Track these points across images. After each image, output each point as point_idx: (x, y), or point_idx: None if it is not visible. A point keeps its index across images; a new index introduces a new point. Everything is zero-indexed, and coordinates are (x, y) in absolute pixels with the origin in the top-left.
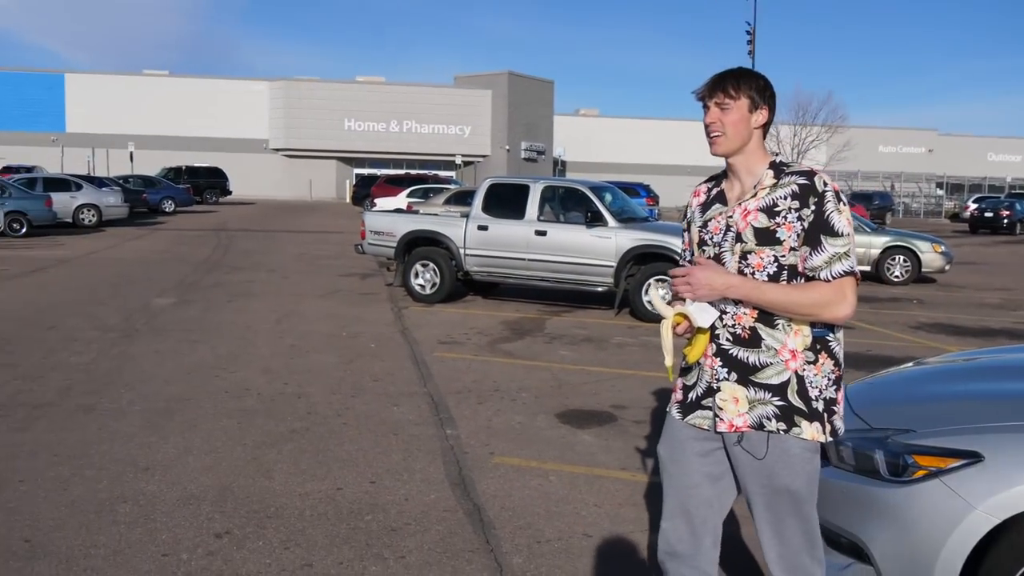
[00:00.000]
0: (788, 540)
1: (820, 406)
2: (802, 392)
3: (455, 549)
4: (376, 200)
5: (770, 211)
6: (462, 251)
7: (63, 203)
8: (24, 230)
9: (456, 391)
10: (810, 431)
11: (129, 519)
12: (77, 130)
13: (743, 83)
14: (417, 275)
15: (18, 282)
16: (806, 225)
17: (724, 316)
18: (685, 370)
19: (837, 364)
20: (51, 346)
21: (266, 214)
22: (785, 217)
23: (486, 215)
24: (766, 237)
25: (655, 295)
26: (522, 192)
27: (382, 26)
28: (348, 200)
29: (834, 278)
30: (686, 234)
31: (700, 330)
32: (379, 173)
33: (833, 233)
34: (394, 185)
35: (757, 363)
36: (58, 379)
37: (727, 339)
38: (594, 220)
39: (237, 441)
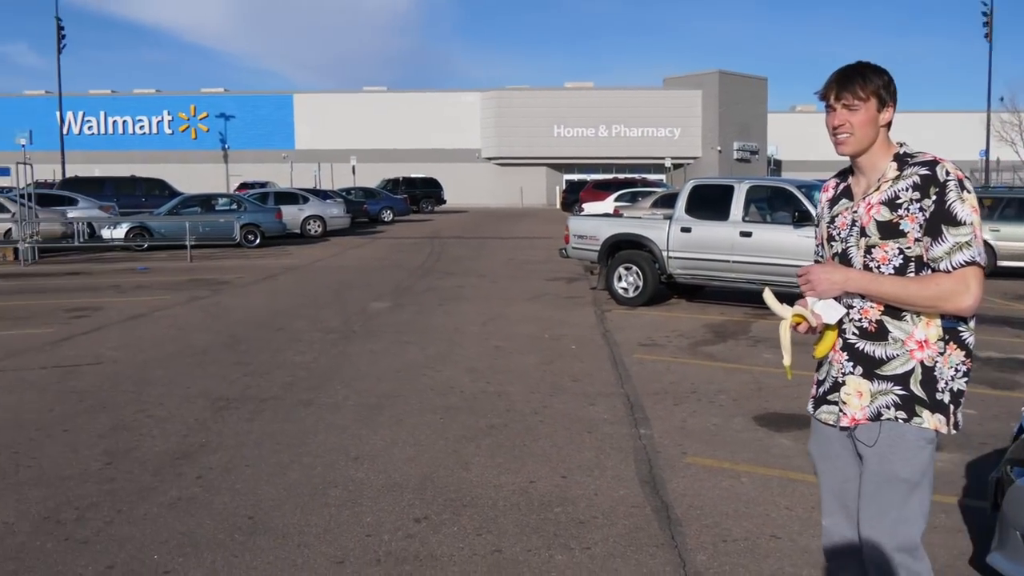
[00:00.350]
0: (889, 530)
1: (946, 397)
2: (927, 382)
3: (640, 543)
4: (584, 205)
5: (892, 204)
6: (665, 254)
7: (292, 215)
8: (258, 241)
9: (653, 392)
10: (932, 421)
11: (339, 502)
12: (305, 147)
13: (870, 82)
14: (620, 278)
15: (252, 288)
16: (927, 215)
17: (851, 311)
18: (819, 366)
19: (968, 355)
20: (278, 346)
21: (478, 222)
22: (907, 209)
23: (689, 217)
24: (889, 230)
25: (768, 296)
26: (726, 193)
27: (590, 32)
28: (558, 206)
29: (955, 268)
30: (817, 230)
31: (828, 326)
32: (588, 179)
33: (955, 222)
34: (602, 190)
35: (884, 356)
36: (283, 376)
37: (854, 333)
38: (802, 219)
39: (440, 435)
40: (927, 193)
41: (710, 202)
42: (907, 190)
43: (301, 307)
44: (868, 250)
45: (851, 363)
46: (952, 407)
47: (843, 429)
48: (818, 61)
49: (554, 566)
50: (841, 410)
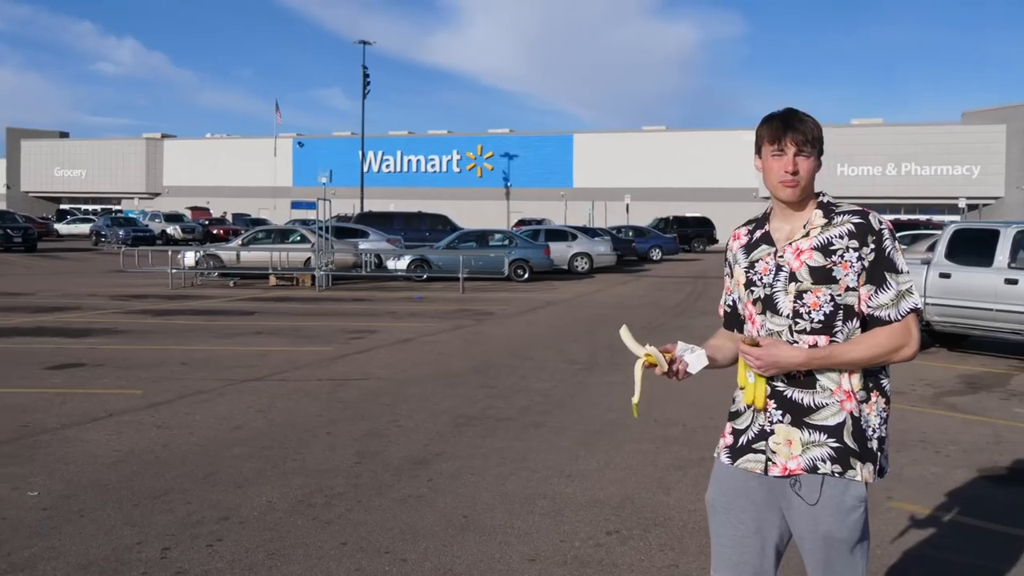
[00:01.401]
0: None
1: (874, 445)
2: (857, 433)
3: None
4: None
5: (825, 250)
6: (922, 300)
7: (560, 252)
8: (526, 275)
9: None
10: (863, 473)
11: (543, 511)
12: (581, 185)
13: (816, 130)
14: None
15: (512, 320)
16: (866, 264)
17: None
18: (735, 414)
19: (888, 401)
20: (523, 373)
21: None
22: (842, 256)
23: (949, 262)
24: (822, 275)
25: (624, 333)
26: (991, 238)
27: (880, 64)
28: None
29: (903, 316)
30: (728, 279)
31: (757, 376)
32: None
33: (896, 270)
34: None
35: (812, 404)
36: (521, 400)
37: (782, 380)
38: None
39: (650, 462)
40: (864, 242)
41: (973, 247)
42: (841, 237)
43: (553, 339)
44: (799, 295)
45: (779, 411)
46: (879, 455)
47: (778, 478)
48: None
49: None
50: (770, 459)
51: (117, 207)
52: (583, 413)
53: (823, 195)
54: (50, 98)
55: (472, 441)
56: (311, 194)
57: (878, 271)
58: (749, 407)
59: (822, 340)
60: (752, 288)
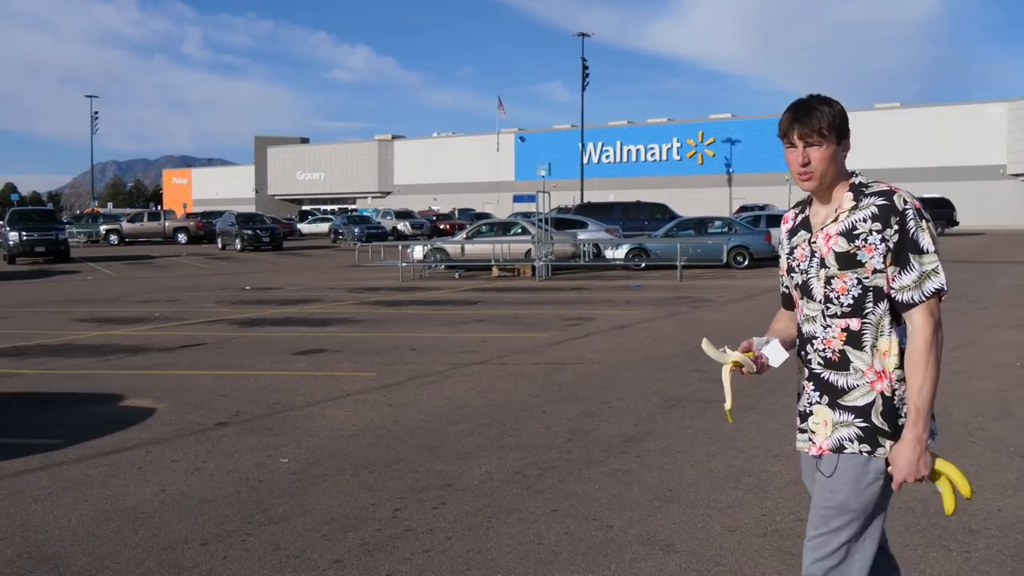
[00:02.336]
0: (825, 548)
1: (900, 421)
2: (888, 412)
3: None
4: None
5: (849, 234)
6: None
7: None
8: (746, 262)
9: None
10: (888, 448)
11: (747, 487)
12: None
13: (828, 117)
14: None
15: (728, 306)
16: (891, 245)
17: (815, 341)
18: (797, 396)
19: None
20: None
21: (992, 245)
22: (865, 239)
23: None
24: (847, 261)
25: (706, 345)
26: None
27: None
28: None
29: (927, 297)
30: (783, 261)
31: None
32: None
33: (920, 251)
34: None
35: (846, 386)
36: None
37: (819, 363)
38: None
39: None
40: (888, 223)
41: None
42: (865, 220)
43: (766, 324)
44: (828, 281)
45: (817, 393)
46: (896, 429)
47: (815, 458)
48: None
49: (926, 562)
50: (811, 439)
51: (352, 206)
52: (795, 397)
53: (856, 176)
54: (291, 106)
55: (681, 421)
56: (532, 187)
57: (903, 252)
58: (803, 390)
59: (854, 323)
60: (792, 274)
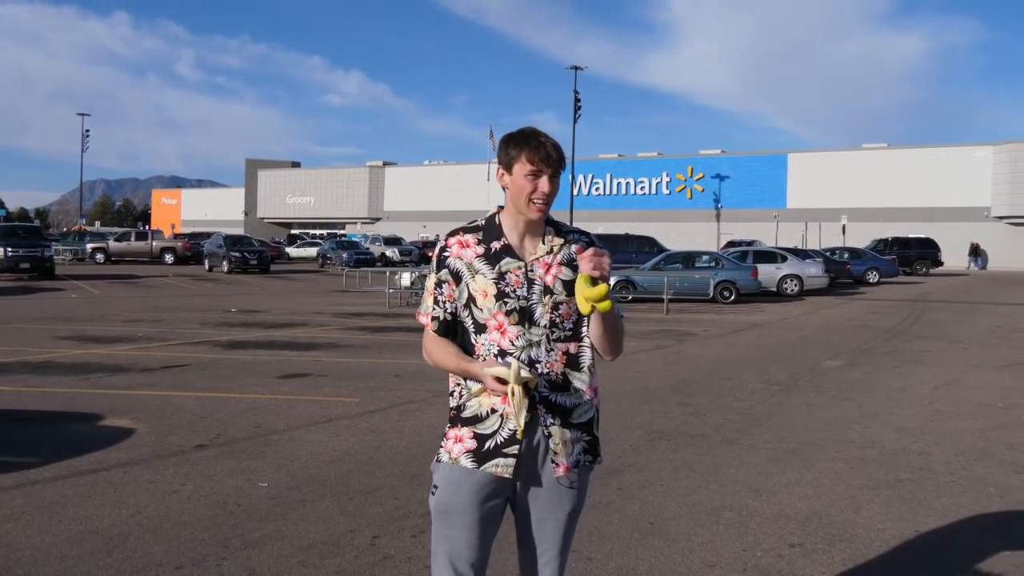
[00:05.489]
0: (564, 552)
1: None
2: (598, 424)
3: None
4: None
5: (571, 265)
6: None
7: (768, 274)
8: (732, 297)
9: None
10: (601, 454)
11: (727, 522)
12: (796, 205)
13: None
14: None
15: (714, 341)
16: None
17: (538, 365)
18: (474, 419)
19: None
20: (720, 392)
21: (975, 286)
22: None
23: None
24: (572, 288)
25: (515, 367)
26: None
27: None
28: None
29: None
30: (446, 286)
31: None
32: None
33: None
34: None
35: (570, 405)
36: (716, 417)
37: (545, 386)
38: None
39: (843, 481)
40: None
41: None
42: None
43: (754, 360)
44: (555, 307)
45: (549, 415)
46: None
47: (559, 479)
48: None
49: None
50: (554, 461)
51: (342, 231)
52: (778, 432)
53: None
54: (283, 130)
55: (664, 455)
56: None
57: None
58: (494, 412)
59: (572, 346)
60: (506, 300)
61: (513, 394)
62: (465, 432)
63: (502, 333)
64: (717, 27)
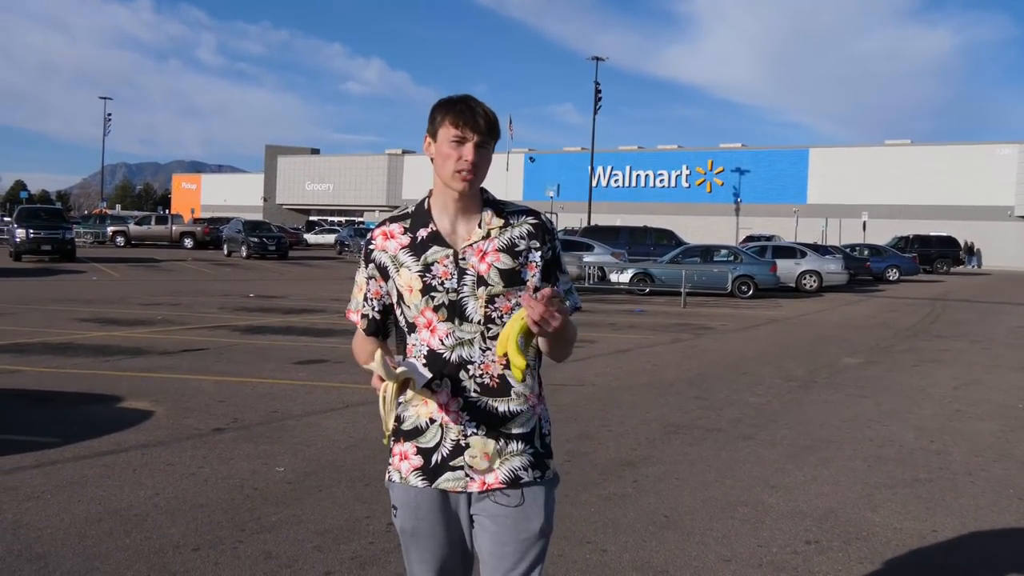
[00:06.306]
0: None
1: (549, 440)
2: (542, 433)
3: None
4: None
5: (511, 251)
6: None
7: (787, 269)
8: (750, 292)
9: None
10: (553, 468)
11: (743, 517)
12: (816, 201)
13: (495, 119)
14: None
15: (731, 335)
16: (546, 262)
17: (471, 366)
18: (415, 431)
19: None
20: (737, 387)
21: (997, 286)
22: (526, 257)
23: None
24: (512, 278)
25: (378, 358)
26: None
27: None
28: None
29: (569, 313)
30: (373, 282)
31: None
32: None
33: (563, 270)
34: None
35: (507, 412)
36: (733, 412)
37: (475, 390)
38: None
39: (860, 479)
40: (544, 241)
41: None
42: (523, 238)
43: (772, 355)
44: (491, 300)
45: (473, 423)
46: (550, 448)
47: (479, 493)
48: None
49: None
50: (468, 475)
51: (359, 219)
52: (795, 428)
53: (486, 191)
54: (302, 116)
55: (680, 448)
56: (540, 208)
57: (552, 270)
58: (433, 422)
59: None
60: (433, 294)
61: (386, 392)
62: (409, 448)
63: (431, 332)
64: (739, 20)
